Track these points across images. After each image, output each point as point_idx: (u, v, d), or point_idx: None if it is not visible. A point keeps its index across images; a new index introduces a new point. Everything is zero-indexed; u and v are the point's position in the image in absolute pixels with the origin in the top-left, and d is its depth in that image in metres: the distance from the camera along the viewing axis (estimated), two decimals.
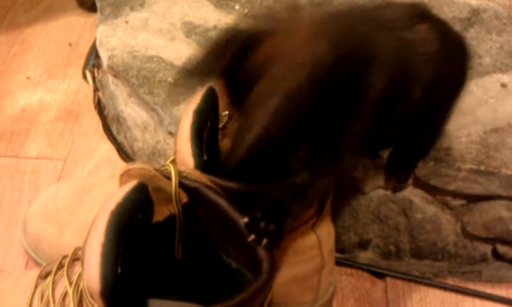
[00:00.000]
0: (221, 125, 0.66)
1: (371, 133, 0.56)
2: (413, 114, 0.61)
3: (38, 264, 0.79)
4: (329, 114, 0.52)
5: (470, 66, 0.68)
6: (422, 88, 0.59)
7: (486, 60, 0.85)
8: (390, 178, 0.76)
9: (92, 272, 0.48)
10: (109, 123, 1.03)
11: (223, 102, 0.65)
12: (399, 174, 0.75)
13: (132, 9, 0.98)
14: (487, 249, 0.80)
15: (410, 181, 0.76)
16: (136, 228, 0.54)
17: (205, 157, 0.59)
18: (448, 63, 0.63)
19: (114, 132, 1.01)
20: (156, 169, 0.55)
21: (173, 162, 0.60)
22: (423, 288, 0.82)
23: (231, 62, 0.52)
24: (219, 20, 0.96)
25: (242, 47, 0.52)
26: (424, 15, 0.63)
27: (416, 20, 0.60)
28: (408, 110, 0.59)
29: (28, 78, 1.13)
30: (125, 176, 0.56)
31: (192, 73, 0.54)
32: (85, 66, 1.14)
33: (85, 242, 0.51)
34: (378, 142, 0.68)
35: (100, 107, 1.06)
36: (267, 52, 0.51)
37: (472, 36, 0.89)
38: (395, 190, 0.76)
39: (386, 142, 0.71)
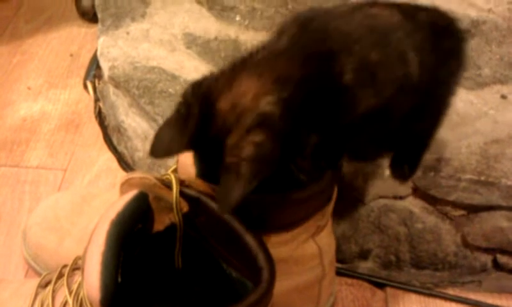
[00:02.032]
0: None
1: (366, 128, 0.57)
2: (410, 99, 0.59)
3: (38, 273, 0.79)
4: (317, 117, 0.52)
5: (464, 50, 0.65)
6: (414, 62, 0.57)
7: (486, 71, 0.86)
8: (397, 178, 0.74)
9: (92, 281, 0.48)
10: (110, 133, 1.03)
11: None
12: (404, 175, 0.73)
13: (133, 20, 0.98)
14: (487, 259, 0.80)
15: (410, 191, 0.76)
16: (136, 237, 0.54)
17: (207, 166, 0.59)
18: (438, 40, 0.61)
19: (115, 142, 1.01)
20: (157, 178, 0.55)
21: (174, 171, 0.61)
22: (423, 298, 0.82)
23: (197, 126, 0.51)
24: (219, 31, 0.96)
25: (203, 108, 0.51)
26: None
27: (367, 5, 0.59)
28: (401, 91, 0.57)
29: (29, 88, 1.13)
30: (125, 185, 0.56)
31: (160, 152, 0.55)
32: (86, 77, 1.14)
33: (85, 251, 0.51)
34: (376, 142, 0.67)
35: (100, 117, 1.06)
36: (229, 105, 0.50)
37: (471, 48, 0.89)
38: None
39: (385, 145, 0.70)
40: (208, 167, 0.54)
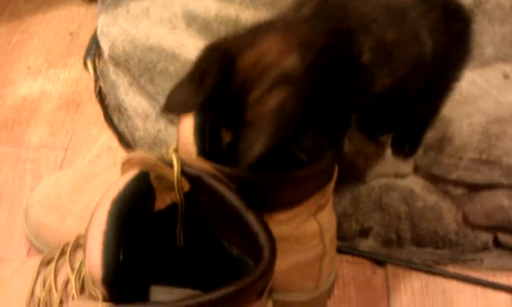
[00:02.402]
0: None
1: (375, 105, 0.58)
2: (423, 79, 0.60)
3: (40, 251, 0.79)
4: (331, 92, 0.53)
5: (472, 35, 0.66)
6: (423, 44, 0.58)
7: (489, 51, 0.85)
8: (398, 156, 0.73)
9: (94, 260, 0.48)
10: (110, 113, 1.03)
11: None
12: (405, 153, 0.73)
13: None
14: (488, 237, 0.80)
15: (411, 170, 0.76)
16: (137, 216, 0.54)
17: (208, 145, 0.59)
18: (446, 21, 0.61)
19: (115, 121, 1.01)
20: (158, 158, 0.55)
21: (175, 150, 0.60)
22: (424, 276, 0.82)
23: (215, 84, 0.51)
24: (219, 10, 0.95)
25: (223, 66, 0.51)
26: None
27: None
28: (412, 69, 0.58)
29: (29, 68, 1.13)
30: (126, 165, 0.56)
31: (175, 108, 0.54)
32: (86, 56, 1.14)
33: (87, 229, 0.51)
34: (385, 120, 0.67)
35: (101, 97, 1.06)
36: (251, 62, 0.50)
37: (474, 27, 0.89)
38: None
39: (392, 123, 0.69)
40: (226, 124, 0.54)
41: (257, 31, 0.53)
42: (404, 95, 0.59)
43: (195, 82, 0.52)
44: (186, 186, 0.56)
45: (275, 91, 0.49)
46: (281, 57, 0.50)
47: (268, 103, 0.48)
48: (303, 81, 0.50)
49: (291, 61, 0.50)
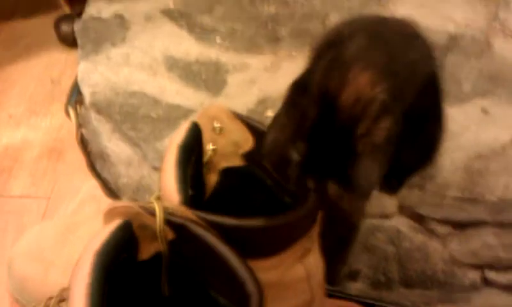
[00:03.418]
0: (205, 159, 0.66)
1: None
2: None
3: (23, 306, 0.77)
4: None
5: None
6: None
7: (466, 86, 0.86)
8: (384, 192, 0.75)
9: None
10: (93, 160, 1.02)
11: (207, 135, 0.65)
12: (393, 188, 0.75)
13: (113, 45, 0.98)
14: (476, 275, 0.80)
15: (396, 210, 0.76)
16: (121, 267, 0.53)
17: (191, 192, 0.59)
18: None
19: (98, 168, 1.00)
20: (141, 206, 0.54)
21: (159, 198, 0.60)
22: None
23: (315, 121, 0.55)
24: (200, 53, 0.96)
25: (322, 104, 0.55)
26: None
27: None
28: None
29: (10, 116, 1.12)
30: (109, 214, 0.55)
31: (275, 153, 0.57)
32: (67, 103, 1.13)
33: (70, 283, 0.50)
34: None
35: (83, 144, 1.05)
36: (353, 99, 0.55)
37: (451, 62, 0.90)
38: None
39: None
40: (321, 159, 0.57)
41: (342, 67, 0.57)
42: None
43: (292, 126, 0.57)
44: (170, 234, 0.55)
45: (381, 122, 0.54)
46: (375, 90, 0.55)
47: (377, 134, 0.54)
48: (397, 108, 0.56)
49: (384, 91, 0.55)
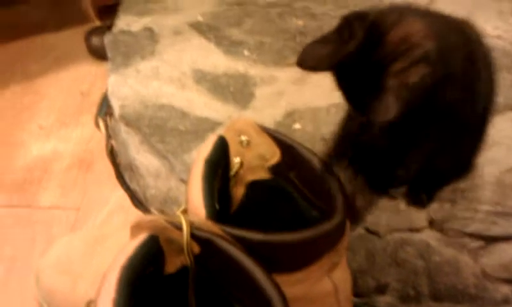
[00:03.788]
0: (232, 172, 0.66)
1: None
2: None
3: None
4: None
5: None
6: (485, 69, 0.69)
7: (498, 99, 0.85)
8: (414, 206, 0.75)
9: None
10: (122, 171, 1.03)
11: (233, 148, 0.65)
12: (422, 203, 0.75)
13: (143, 58, 0.99)
14: (508, 290, 0.78)
15: (426, 224, 0.75)
16: (148, 281, 0.53)
17: (217, 206, 0.58)
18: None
19: (127, 179, 1.01)
20: (167, 221, 0.54)
21: (185, 211, 0.60)
22: None
23: (358, 48, 0.59)
24: (228, 66, 0.96)
25: (368, 35, 0.59)
26: None
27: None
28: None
29: (41, 127, 1.13)
30: (135, 229, 0.55)
31: (309, 64, 0.60)
32: (97, 114, 1.14)
33: (96, 298, 0.50)
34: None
35: (112, 155, 1.06)
36: (399, 38, 0.59)
37: None
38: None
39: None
40: (346, 90, 0.61)
41: (402, 14, 0.61)
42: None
43: (336, 43, 0.60)
44: (196, 249, 0.55)
45: (417, 67, 0.57)
46: (425, 40, 0.58)
47: (410, 75, 0.57)
48: (438, 65, 0.58)
49: (432, 46, 0.58)
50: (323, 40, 0.61)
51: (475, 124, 0.70)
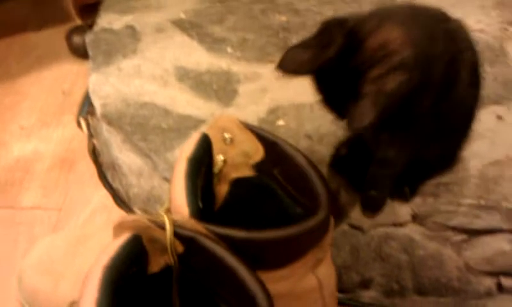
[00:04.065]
0: (216, 170, 0.65)
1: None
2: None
3: None
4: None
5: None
6: (467, 72, 0.67)
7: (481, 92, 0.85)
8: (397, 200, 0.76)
9: None
10: (104, 170, 1.02)
11: (217, 146, 0.65)
12: (405, 197, 0.75)
13: (125, 56, 0.98)
14: (491, 283, 0.79)
15: (410, 218, 0.75)
16: (131, 281, 0.53)
17: (200, 205, 0.58)
18: (475, 50, 0.71)
19: (110, 178, 1.00)
20: (150, 220, 0.54)
21: (168, 210, 0.59)
22: None
23: (337, 54, 0.59)
24: (211, 63, 0.96)
25: (348, 40, 0.59)
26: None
27: (445, 15, 0.69)
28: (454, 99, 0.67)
29: (22, 128, 1.12)
30: (118, 228, 0.55)
31: (290, 68, 0.61)
32: (79, 114, 1.13)
33: (79, 298, 0.49)
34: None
35: (95, 154, 1.05)
36: (377, 45, 0.59)
37: None
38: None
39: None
40: (325, 94, 0.61)
41: (381, 20, 0.61)
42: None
43: (316, 48, 0.60)
44: (180, 248, 0.55)
45: (394, 74, 0.57)
46: (402, 47, 0.59)
47: (387, 82, 0.57)
48: (414, 72, 0.58)
49: (410, 53, 0.59)
50: (303, 45, 0.62)
51: (459, 120, 0.70)
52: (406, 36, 0.60)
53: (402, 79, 0.57)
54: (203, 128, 0.64)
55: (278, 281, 0.59)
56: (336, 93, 0.60)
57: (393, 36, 0.60)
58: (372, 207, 0.73)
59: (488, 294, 0.79)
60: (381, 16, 0.63)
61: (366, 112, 0.56)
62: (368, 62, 0.58)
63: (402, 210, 0.76)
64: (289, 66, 0.61)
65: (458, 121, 0.70)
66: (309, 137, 0.85)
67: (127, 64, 0.96)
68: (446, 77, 0.65)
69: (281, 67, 0.61)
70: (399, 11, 0.67)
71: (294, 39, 1.00)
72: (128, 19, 1.06)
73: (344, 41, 0.60)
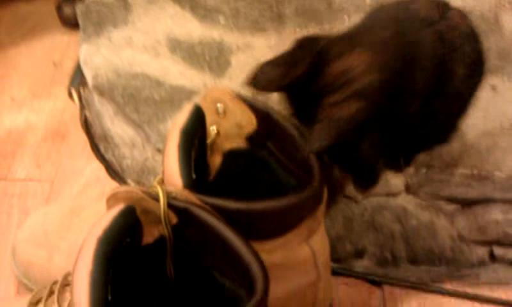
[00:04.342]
0: (209, 141, 0.65)
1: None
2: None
3: (29, 290, 0.77)
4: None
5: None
6: (464, 68, 0.66)
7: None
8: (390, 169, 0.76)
9: (81, 302, 0.47)
10: (97, 142, 1.01)
11: (210, 117, 0.65)
12: (399, 167, 0.75)
13: (115, 26, 0.97)
14: (484, 252, 0.79)
15: (403, 188, 0.75)
16: (125, 252, 0.53)
17: (194, 176, 0.58)
18: (478, 43, 0.70)
19: (102, 150, 1.00)
20: (143, 191, 0.54)
21: (162, 181, 0.59)
22: (421, 294, 0.81)
23: (303, 75, 0.59)
24: (203, 34, 0.95)
25: (314, 63, 0.59)
26: (447, 4, 0.69)
27: (445, 8, 0.67)
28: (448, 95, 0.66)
29: (13, 99, 1.11)
30: (112, 200, 0.55)
31: (261, 85, 0.61)
32: (70, 85, 1.12)
33: (73, 270, 0.49)
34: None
35: (87, 126, 1.05)
36: (339, 71, 0.58)
37: None
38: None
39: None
40: (296, 110, 0.62)
41: (350, 43, 0.60)
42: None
43: (286, 66, 0.60)
44: (174, 219, 0.55)
45: (350, 102, 0.57)
46: (363, 75, 0.58)
47: (342, 110, 0.57)
48: (375, 100, 0.58)
49: (370, 81, 0.58)
50: (275, 61, 0.61)
51: (455, 107, 0.69)
52: (374, 60, 0.59)
53: (358, 107, 0.57)
54: (196, 100, 0.63)
55: (272, 251, 0.60)
56: (303, 111, 0.60)
57: (356, 62, 0.59)
58: (363, 185, 0.73)
59: (481, 263, 0.80)
60: (352, 38, 0.62)
61: (319, 138, 0.57)
62: (329, 88, 0.58)
63: (395, 180, 0.76)
64: (259, 82, 0.61)
65: (455, 107, 0.69)
66: None
67: (117, 34, 0.95)
68: (436, 79, 0.64)
69: (251, 83, 0.62)
70: (376, 29, 0.65)
71: (287, 10, 0.99)
72: None
73: (311, 62, 0.59)
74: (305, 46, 0.61)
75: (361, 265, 0.82)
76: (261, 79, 0.61)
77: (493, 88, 0.82)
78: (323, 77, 0.58)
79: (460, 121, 0.70)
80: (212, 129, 0.65)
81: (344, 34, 0.63)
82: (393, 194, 0.76)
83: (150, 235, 0.56)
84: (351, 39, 0.62)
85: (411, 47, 0.62)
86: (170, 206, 0.54)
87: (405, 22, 0.65)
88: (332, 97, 0.57)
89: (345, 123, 0.57)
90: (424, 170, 0.73)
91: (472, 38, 0.68)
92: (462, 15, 0.68)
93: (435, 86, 0.63)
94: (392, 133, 0.63)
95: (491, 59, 0.86)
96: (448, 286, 0.81)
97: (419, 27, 0.64)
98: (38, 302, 0.63)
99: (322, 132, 0.56)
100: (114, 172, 0.97)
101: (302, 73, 0.59)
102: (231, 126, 0.65)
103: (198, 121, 0.62)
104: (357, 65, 0.58)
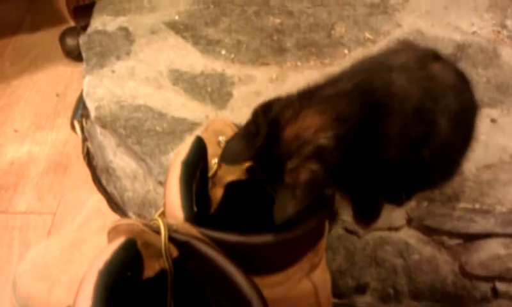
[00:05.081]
0: (210, 174, 0.65)
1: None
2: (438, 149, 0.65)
3: None
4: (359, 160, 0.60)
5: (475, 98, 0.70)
6: (448, 119, 0.63)
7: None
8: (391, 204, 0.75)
9: None
10: (99, 174, 1.02)
11: (211, 149, 0.65)
12: (400, 201, 0.75)
13: (118, 58, 0.97)
14: (487, 287, 0.79)
15: (404, 222, 0.75)
16: (125, 286, 0.52)
17: (195, 209, 0.58)
18: (464, 94, 0.67)
19: (104, 182, 1.00)
20: (145, 224, 0.54)
21: (163, 214, 0.59)
22: None
23: (262, 145, 0.60)
24: (205, 66, 0.95)
25: (270, 131, 0.59)
26: (435, 56, 0.68)
27: (428, 60, 0.66)
28: (435, 145, 0.64)
29: (16, 131, 1.12)
30: (113, 232, 0.54)
31: (229, 159, 0.63)
32: (73, 117, 1.13)
33: (74, 304, 0.49)
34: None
35: (89, 158, 1.05)
36: (293, 135, 0.58)
37: None
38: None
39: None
40: (267, 176, 0.61)
41: (300, 104, 0.60)
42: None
43: (247, 138, 0.61)
44: (174, 252, 0.55)
45: (308, 164, 0.57)
46: (317, 134, 0.58)
47: (302, 173, 0.57)
48: (333, 156, 0.58)
49: (325, 138, 0.58)
50: (239, 135, 0.63)
51: (449, 158, 0.69)
52: (324, 119, 0.59)
53: (315, 168, 0.57)
54: (198, 132, 0.63)
55: (274, 286, 0.59)
56: (273, 177, 0.60)
57: (307, 124, 0.59)
58: (365, 219, 0.73)
59: (484, 299, 0.79)
60: (304, 99, 0.61)
61: (287, 205, 0.56)
62: (287, 154, 0.58)
63: (397, 214, 0.75)
64: (228, 157, 0.63)
65: (446, 156, 0.68)
66: None
67: (120, 66, 0.95)
68: (420, 125, 0.63)
69: (222, 159, 0.64)
70: (341, 82, 0.64)
71: (288, 42, 1.00)
72: (121, 21, 1.05)
73: (267, 132, 0.60)
74: (259, 116, 0.61)
75: (364, 300, 0.81)
76: (227, 155, 0.63)
77: (493, 121, 0.82)
78: (279, 144, 0.59)
79: (456, 168, 0.69)
80: (214, 161, 0.65)
81: (297, 94, 0.62)
82: (395, 228, 0.76)
83: (151, 269, 0.56)
84: (303, 99, 0.61)
85: (378, 93, 0.62)
86: (171, 239, 0.54)
87: (377, 69, 0.65)
88: (291, 162, 0.58)
89: (306, 187, 0.57)
90: (425, 204, 0.72)
91: (458, 88, 0.66)
92: (447, 66, 0.67)
93: (421, 134, 0.62)
94: (382, 174, 0.63)
95: (491, 92, 0.87)
96: None
97: (390, 73, 0.63)
98: None
99: (285, 201, 0.57)
100: (115, 204, 0.97)
101: (261, 144, 0.60)
102: None
103: (199, 153, 0.62)
104: (308, 127, 0.59)
